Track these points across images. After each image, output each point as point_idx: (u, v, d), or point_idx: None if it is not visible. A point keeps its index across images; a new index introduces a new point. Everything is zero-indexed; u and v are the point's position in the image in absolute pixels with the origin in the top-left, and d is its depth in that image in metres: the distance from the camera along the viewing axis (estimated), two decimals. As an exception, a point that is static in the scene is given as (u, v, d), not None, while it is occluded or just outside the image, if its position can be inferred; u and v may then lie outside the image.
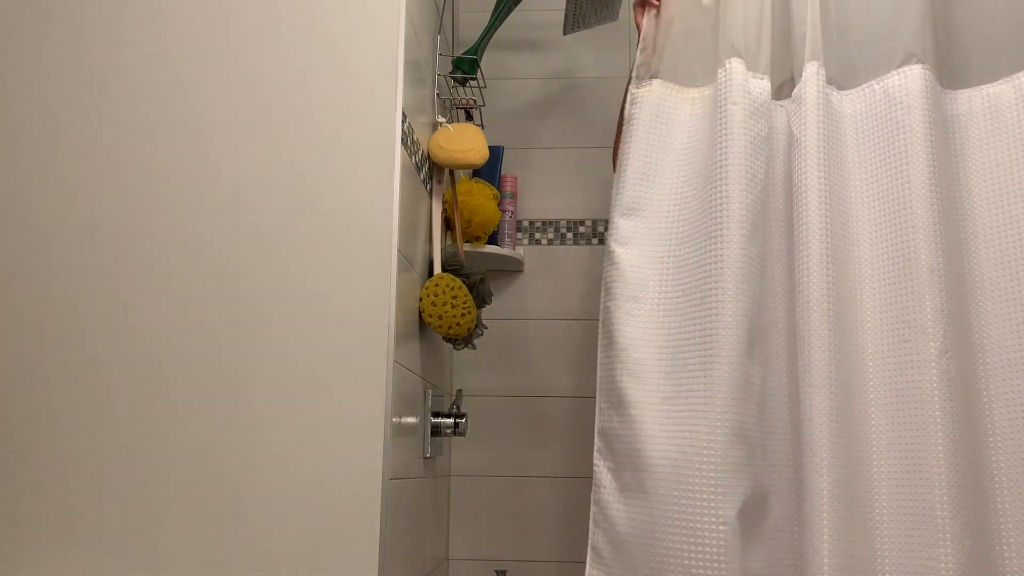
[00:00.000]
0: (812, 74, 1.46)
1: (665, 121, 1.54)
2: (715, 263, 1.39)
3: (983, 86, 1.49)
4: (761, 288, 1.41)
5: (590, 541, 1.44)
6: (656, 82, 1.56)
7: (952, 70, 1.50)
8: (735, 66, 1.47)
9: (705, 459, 1.32)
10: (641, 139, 1.53)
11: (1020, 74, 1.46)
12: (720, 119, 1.45)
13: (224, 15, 1.50)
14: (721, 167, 1.42)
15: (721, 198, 1.41)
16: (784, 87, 1.53)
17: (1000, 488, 1.33)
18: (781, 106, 1.51)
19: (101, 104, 1.49)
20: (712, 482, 1.30)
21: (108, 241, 1.46)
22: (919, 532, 1.29)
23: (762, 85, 1.49)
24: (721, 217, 1.40)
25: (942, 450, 1.29)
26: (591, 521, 1.45)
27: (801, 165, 1.43)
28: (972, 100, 1.49)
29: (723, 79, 1.47)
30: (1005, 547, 1.30)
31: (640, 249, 1.48)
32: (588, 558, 1.43)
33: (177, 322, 1.43)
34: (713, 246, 1.40)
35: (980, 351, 1.39)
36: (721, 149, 1.43)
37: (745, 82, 1.47)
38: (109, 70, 1.50)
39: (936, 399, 1.32)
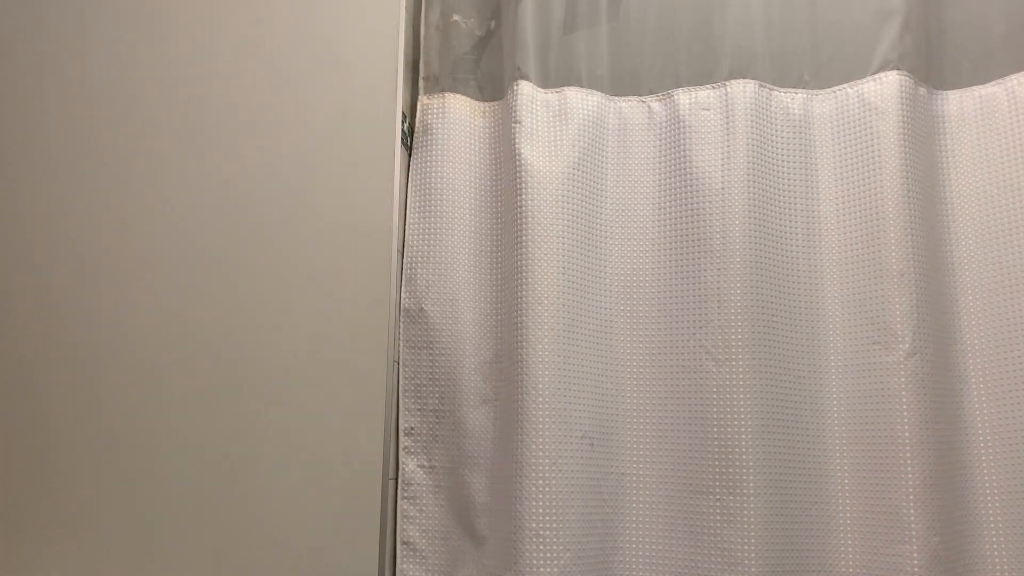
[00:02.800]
0: (738, 87, 1.47)
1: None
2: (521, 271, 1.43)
3: (975, 87, 1.50)
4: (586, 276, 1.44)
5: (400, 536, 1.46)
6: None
7: (944, 71, 1.51)
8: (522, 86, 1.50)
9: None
10: None
11: (1012, 76, 1.47)
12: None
13: (223, 15, 1.50)
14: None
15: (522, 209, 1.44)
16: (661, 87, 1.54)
17: (985, 487, 1.35)
18: (643, 101, 1.53)
19: (100, 103, 1.49)
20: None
21: (108, 240, 1.45)
22: (885, 529, 1.31)
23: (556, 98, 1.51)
24: (522, 224, 1.43)
25: (910, 449, 1.31)
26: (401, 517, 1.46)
27: (709, 162, 1.44)
28: (964, 101, 1.50)
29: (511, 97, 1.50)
30: (996, 546, 1.32)
31: None
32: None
33: (176, 322, 1.43)
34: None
35: (969, 352, 1.41)
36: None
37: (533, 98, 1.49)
38: (107, 70, 1.49)
39: (904, 399, 1.33)
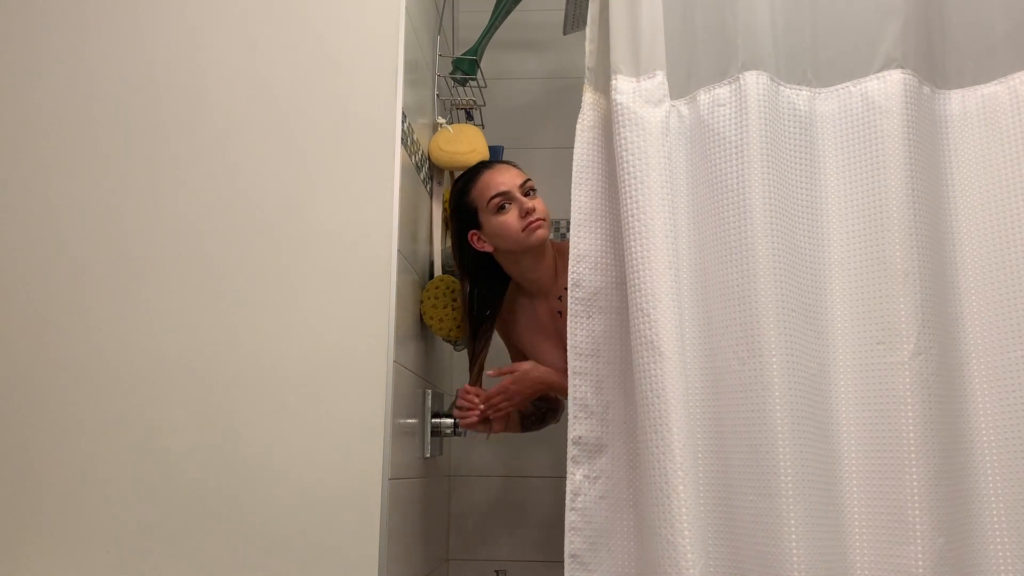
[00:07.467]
0: (752, 79, 1.44)
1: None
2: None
3: (977, 86, 1.48)
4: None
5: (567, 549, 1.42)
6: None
7: (946, 70, 1.50)
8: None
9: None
10: None
11: (1014, 75, 1.45)
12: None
13: (223, 15, 1.51)
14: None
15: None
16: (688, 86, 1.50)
17: (989, 488, 1.34)
18: (674, 105, 1.49)
19: (100, 106, 1.50)
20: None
21: (109, 242, 1.46)
22: (891, 530, 1.30)
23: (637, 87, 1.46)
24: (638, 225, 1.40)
25: (914, 450, 1.30)
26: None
27: (736, 163, 1.41)
28: (966, 100, 1.48)
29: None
30: (1000, 546, 1.31)
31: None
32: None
33: (176, 323, 1.43)
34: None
35: (972, 352, 1.39)
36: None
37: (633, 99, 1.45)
38: (108, 72, 1.50)
39: (909, 400, 1.32)
